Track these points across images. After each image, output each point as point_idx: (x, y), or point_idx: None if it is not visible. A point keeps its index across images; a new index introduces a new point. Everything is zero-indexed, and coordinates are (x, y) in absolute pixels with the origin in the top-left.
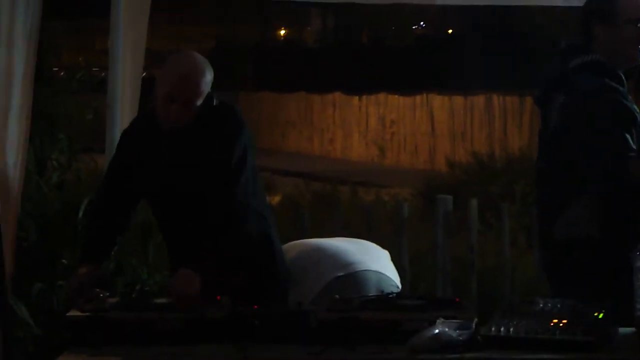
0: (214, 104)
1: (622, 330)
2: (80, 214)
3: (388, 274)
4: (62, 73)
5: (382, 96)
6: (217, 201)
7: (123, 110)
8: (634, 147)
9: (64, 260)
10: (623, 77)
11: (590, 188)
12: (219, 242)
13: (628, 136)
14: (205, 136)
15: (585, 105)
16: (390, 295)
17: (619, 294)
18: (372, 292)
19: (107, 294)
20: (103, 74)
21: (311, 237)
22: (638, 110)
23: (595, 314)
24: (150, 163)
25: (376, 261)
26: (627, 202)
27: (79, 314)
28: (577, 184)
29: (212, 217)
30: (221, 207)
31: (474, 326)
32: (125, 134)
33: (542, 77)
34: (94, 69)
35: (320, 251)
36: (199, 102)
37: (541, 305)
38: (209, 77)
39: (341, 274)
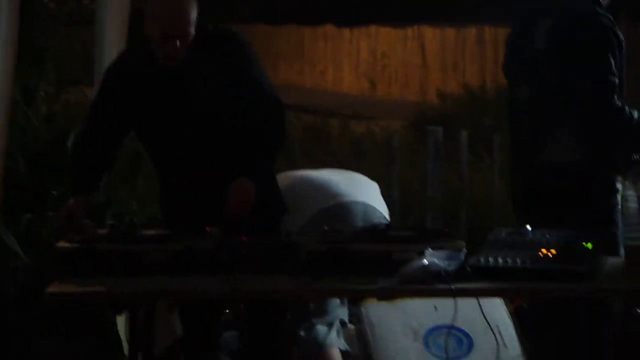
0: (209, 30)
1: (611, 259)
2: (69, 145)
3: (375, 206)
4: (51, 4)
5: (373, 28)
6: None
7: (111, 42)
8: (616, 72)
9: (53, 192)
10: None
11: (573, 112)
12: (237, 167)
13: (612, 61)
14: (214, 63)
15: (575, 27)
16: (380, 227)
17: (602, 220)
18: (359, 223)
19: (96, 225)
20: (93, 6)
21: (301, 170)
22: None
23: (584, 244)
24: (151, 98)
25: (363, 192)
26: (606, 125)
27: (68, 245)
28: (562, 109)
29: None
30: (262, 129)
31: (462, 257)
32: (114, 68)
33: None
34: (84, 1)
35: (307, 182)
36: (193, 29)
37: (530, 235)
38: (194, 1)
39: (328, 205)
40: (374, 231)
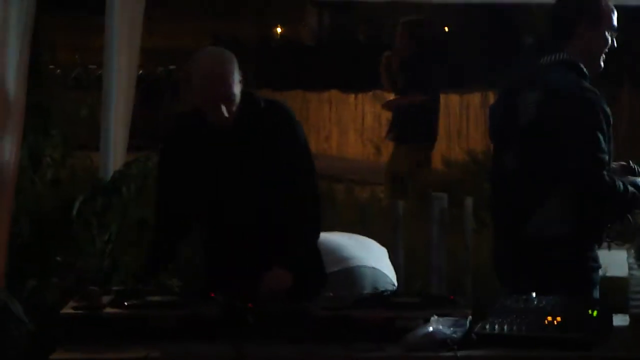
0: (261, 103)
1: (616, 325)
2: (74, 211)
3: (384, 271)
4: (58, 70)
5: (378, 94)
6: (303, 194)
7: (118, 108)
8: (605, 148)
9: (57, 258)
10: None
11: (562, 187)
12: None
13: (601, 137)
14: (266, 132)
15: (563, 104)
16: (385, 293)
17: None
18: (368, 288)
19: (101, 291)
20: (99, 71)
21: None
22: (610, 113)
23: (590, 311)
24: (204, 160)
25: (373, 257)
26: (596, 202)
27: (72, 310)
28: (550, 183)
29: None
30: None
31: (468, 324)
32: (171, 135)
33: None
34: (90, 67)
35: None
36: (237, 91)
37: (535, 302)
38: (236, 64)
39: (337, 269)
40: (379, 298)
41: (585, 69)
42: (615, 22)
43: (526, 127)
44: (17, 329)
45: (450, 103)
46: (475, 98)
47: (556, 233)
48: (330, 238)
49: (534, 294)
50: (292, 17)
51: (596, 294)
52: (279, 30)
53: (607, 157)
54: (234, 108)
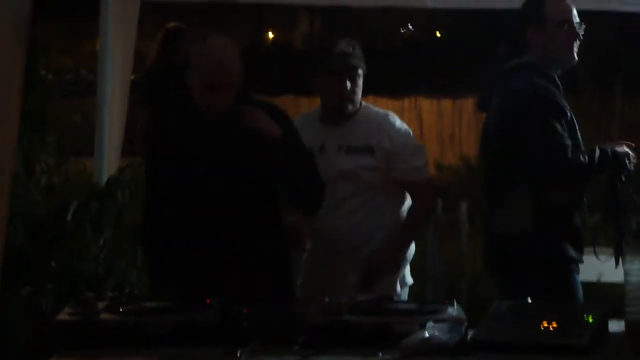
0: (256, 101)
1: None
2: (69, 216)
3: None
4: (50, 75)
5: (370, 99)
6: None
7: (112, 112)
8: (564, 134)
9: (52, 263)
10: (556, 79)
11: (523, 181)
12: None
13: (557, 125)
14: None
15: (517, 102)
16: (381, 299)
17: (556, 288)
18: None
19: (97, 297)
20: (92, 76)
21: None
22: (569, 108)
23: (585, 317)
24: (189, 146)
25: None
26: (562, 192)
27: (68, 317)
28: (511, 179)
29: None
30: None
31: (464, 329)
32: (159, 132)
33: (482, 81)
34: (82, 72)
35: None
36: (237, 81)
37: (531, 308)
38: (239, 55)
39: None
40: (375, 303)
41: (544, 68)
42: (572, 15)
43: (491, 130)
44: (12, 335)
45: (443, 108)
46: (468, 103)
47: (522, 228)
48: None
49: (528, 299)
50: (283, 23)
51: (579, 291)
52: (270, 35)
53: (568, 141)
54: (230, 97)
